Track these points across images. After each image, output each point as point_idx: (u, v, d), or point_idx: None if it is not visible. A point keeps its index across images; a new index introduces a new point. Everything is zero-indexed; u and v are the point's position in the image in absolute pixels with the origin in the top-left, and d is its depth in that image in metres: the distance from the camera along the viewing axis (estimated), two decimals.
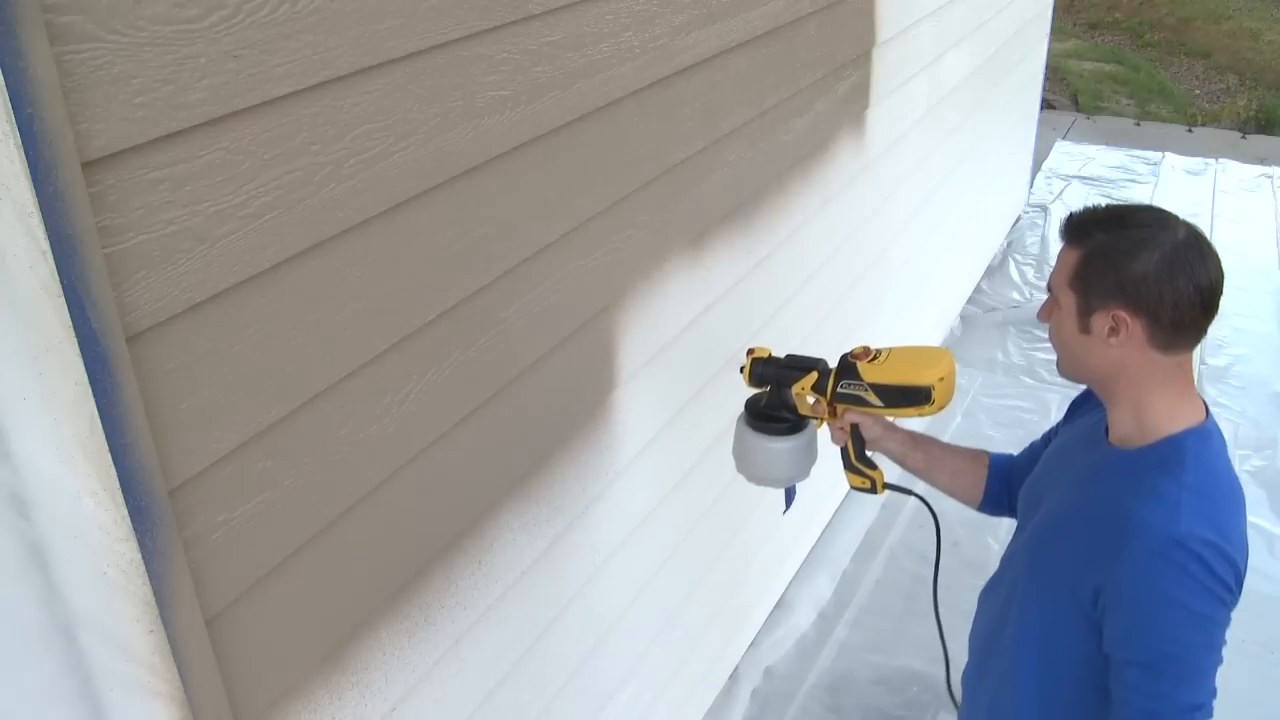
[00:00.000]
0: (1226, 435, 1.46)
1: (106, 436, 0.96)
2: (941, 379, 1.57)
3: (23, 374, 0.88)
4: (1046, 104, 7.24)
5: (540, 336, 1.65)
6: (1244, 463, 3.74)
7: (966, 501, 1.75)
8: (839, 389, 1.64)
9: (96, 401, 0.94)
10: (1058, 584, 1.40)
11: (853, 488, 1.75)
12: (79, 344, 0.92)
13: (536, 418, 1.70)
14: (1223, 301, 1.34)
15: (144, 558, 1.02)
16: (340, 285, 1.24)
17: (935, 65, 3.46)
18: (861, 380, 1.61)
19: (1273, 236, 5.54)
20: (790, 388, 1.70)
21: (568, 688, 1.95)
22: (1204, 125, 8.02)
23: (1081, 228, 1.38)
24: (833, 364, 1.68)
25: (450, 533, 1.55)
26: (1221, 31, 10.89)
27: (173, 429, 1.06)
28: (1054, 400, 4.11)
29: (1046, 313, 1.45)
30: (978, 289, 4.91)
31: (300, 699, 1.32)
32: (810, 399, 1.69)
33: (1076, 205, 1.49)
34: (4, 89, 0.82)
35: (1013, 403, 4.15)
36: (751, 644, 2.91)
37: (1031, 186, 6.06)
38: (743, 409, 1.79)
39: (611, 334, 1.87)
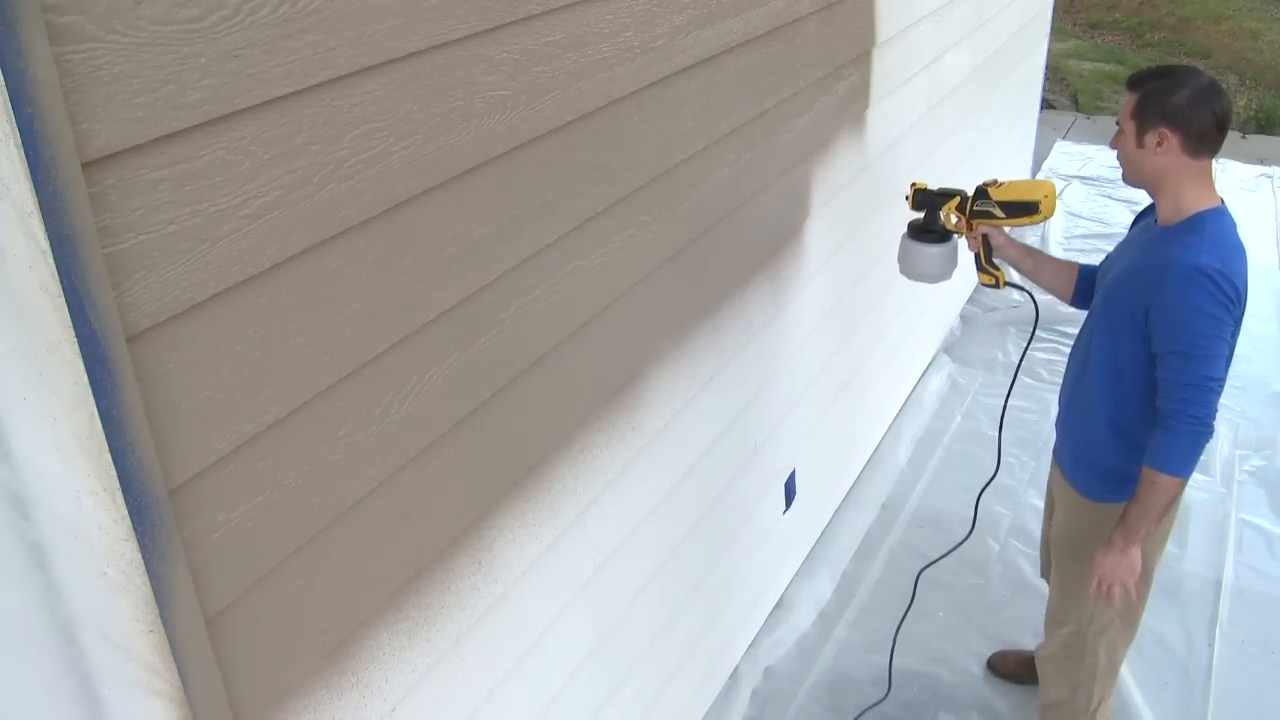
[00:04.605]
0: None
1: (106, 436, 0.96)
2: (1046, 196, 2.27)
3: (23, 374, 0.88)
4: (1046, 104, 7.25)
5: (538, 336, 1.65)
6: (1244, 463, 3.72)
7: (1061, 296, 2.42)
8: (975, 207, 2.32)
9: (96, 401, 0.94)
10: (1122, 312, 2.04)
11: (981, 284, 2.43)
12: (79, 344, 0.92)
13: (535, 418, 1.70)
14: None
15: (144, 558, 1.02)
16: (340, 285, 1.24)
17: (935, 65, 3.46)
18: (991, 199, 2.30)
19: (1273, 236, 5.54)
20: (940, 210, 2.37)
21: (568, 687, 1.95)
22: None
23: (1139, 79, 2.04)
24: (970, 193, 2.34)
25: (450, 533, 1.55)
26: (1221, 31, 10.89)
27: (173, 429, 1.06)
28: (1053, 399, 4.11)
29: (1115, 141, 2.11)
30: (978, 289, 4.91)
31: (300, 699, 1.32)
32: (954, 218, 2.37)
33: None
34: (4, 89, 0.82)
35: (1013, 402, 4.14)
36: (751, 644, 2.91)
37: None
38: (906, 228, 2.42)
39: (608, 331, 1.87)
